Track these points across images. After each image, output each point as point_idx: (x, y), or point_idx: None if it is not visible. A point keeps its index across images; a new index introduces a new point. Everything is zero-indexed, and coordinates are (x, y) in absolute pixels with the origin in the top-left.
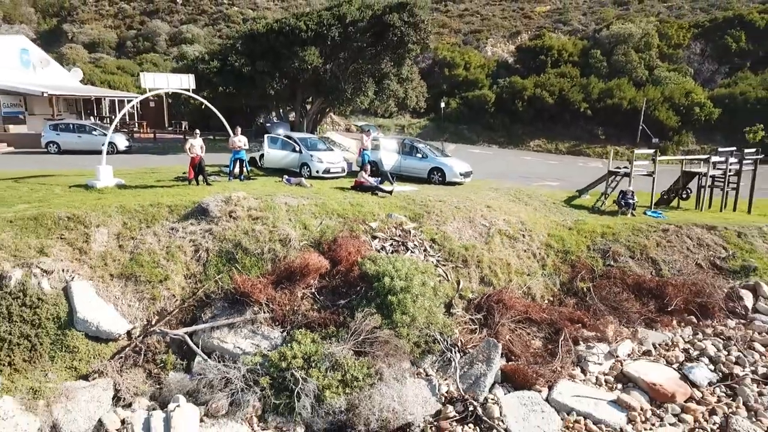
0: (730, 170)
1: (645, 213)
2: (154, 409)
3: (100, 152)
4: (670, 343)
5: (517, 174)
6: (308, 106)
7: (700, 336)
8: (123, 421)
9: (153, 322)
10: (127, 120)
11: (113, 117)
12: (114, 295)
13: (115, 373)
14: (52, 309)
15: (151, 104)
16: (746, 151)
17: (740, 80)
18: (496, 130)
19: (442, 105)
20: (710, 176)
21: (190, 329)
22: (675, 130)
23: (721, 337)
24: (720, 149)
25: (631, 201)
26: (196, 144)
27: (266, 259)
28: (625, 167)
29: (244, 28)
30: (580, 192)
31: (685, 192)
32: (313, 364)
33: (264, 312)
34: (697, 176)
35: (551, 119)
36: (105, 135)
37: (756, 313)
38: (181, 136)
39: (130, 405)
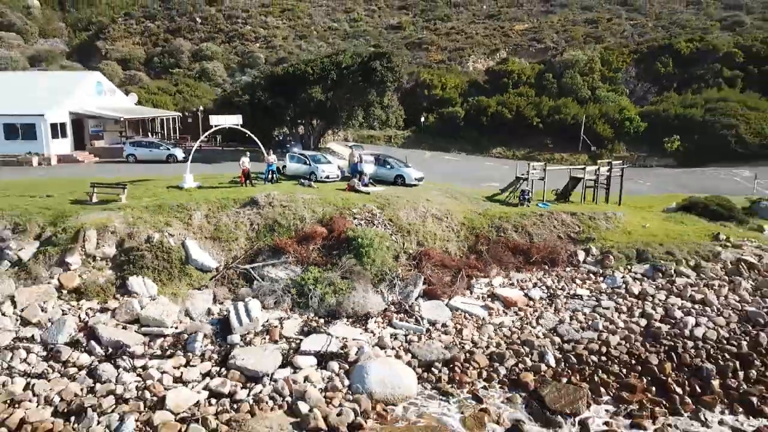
0: (602, 176)
1: (537, 204)
2: (235, 301)
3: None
4: (527, 279)
5: (474, 177)
6: (314, 124)
7: (546, 275)
8: (220, 310)
9: (230, 263)
10: (177, 134)
11: (162, 132)
12: (208, 247)
13: (213, 287)
14: (176, 254)
15: (189, 120)
16: (614, 162)
17: (665, 99)
18: (466, 140)
19: (422, 119)
20: (588, 180)
21: (250, 266)
22: (610, 140)
23: (558, 276)
24: (600, 161)
25: (527, 197)
26: (246, 160)
27: (291, 228)
28: (528, 172)
29: (266, 71)
30: (501, 191)
31: (571, 190)
32: (318, 282)
33: (291, 257)
34: (582, 180)
35: (510, 131)
36: (168, 149)
37: (584, 264)
38: (219, 148)
39: (222, 303)
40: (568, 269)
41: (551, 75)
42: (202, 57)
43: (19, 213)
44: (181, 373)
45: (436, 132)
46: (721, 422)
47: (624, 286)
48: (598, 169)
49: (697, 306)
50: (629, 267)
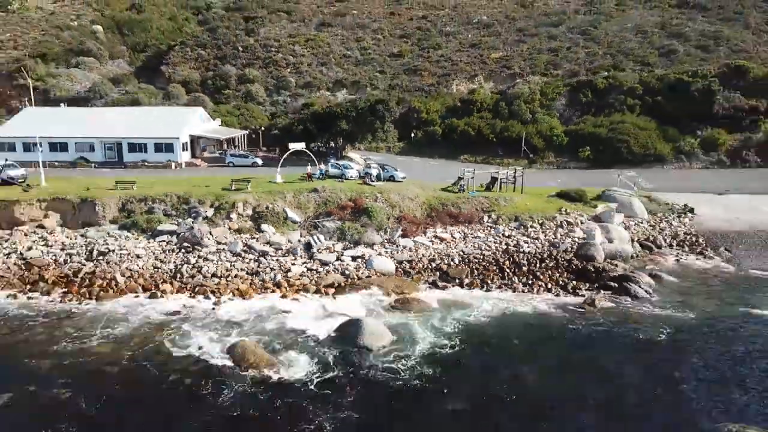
0: (510, 175)
1: (470, 193)
2: (311, 235)
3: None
4: (455, 230)
5: (440, 176)
6: (339, 142)
7: (465, 228)
8: (306, 239)
9: (306, 219)
10: (248, 146)
11: (237, 145)
12: (296, 211)
13: (300, 230)
14: (281, 214)
15: (253, 136)
16: (517, 168)
17: (584, 121)
18: (443, 150)
19: (412, 135)
20: (502, 178)
21: (316, 220)
22: (542, 150)
23: (471, 228)
24: (509, 167)
25: (463, 188)
26: (309, 167)
27: (335, 202)
28: (468, 172)
29: (315, 110)
30: (453, 184)
31: (492, 184)
32: (349, 228)
33: (336, 217)
34: (498, 178)
35: (473, 144)
36: (252, 158)
37: (486, 223)
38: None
39: (305, 236)
40: (477, 226)
41: (504, 103)
42: (245, 80)
43: (197, 195)
44: (293, 262)
45: (422, 144)
46: (516, 289)
47: (502, 232)
48: (507, 172)
49: (532, 240)
50: (508, 224)
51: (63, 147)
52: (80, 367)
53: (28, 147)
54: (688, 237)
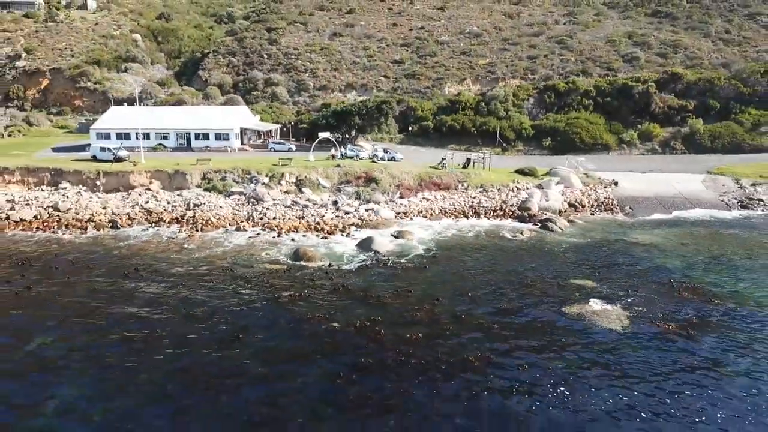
0: (481, 158)
1: (450, 169)
2: (337, 194)
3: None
4: (438, 194)
5: (430, 159)
6: (353, 133)
7: (445, 192)
8: (334, 199)
9: (333, 185)
10: (280, 137)
11: (273, 136)
12: (325, 180)
13: (328, 192)
14: (315, 181)
15: (284, 129)
16: (486, 152)
17: (547, 117)
18: (434, 140)
19: (410, 128)
20: (475, 159)
21: (339, 185)
22: (513, 140)
23: (450, 193)
24: (480, 150)
25: (445, 165)
26: (333, 150)
27: (353, 175)
28: (449, 155)
29: (334, 108)
30: (438, 163)
31: (467, 164)
32: (363, 191)
33: (354, 184)
34: (472, 159)
35: (458, 135)
36: (288, 145)
37: (460, 188)
38: (305, 144)
39: (332, 197)
40: (453, 191)
41: (483, 102)
42: (271, 83)
43: (255, 169)
44: (325, 212)
45: (417, 135)
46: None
47: (471, 195)
48: (479, 155)
49: (490, 198)
50: (475, 189)
51: (146, 136)
52: (200, 266)
53: (119, 136)
54: (607, 201)
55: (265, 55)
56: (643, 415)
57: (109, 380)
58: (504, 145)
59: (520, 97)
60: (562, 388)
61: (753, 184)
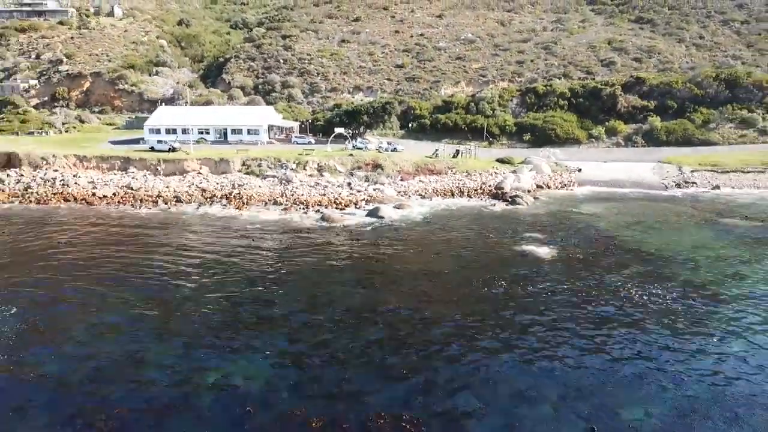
0: (468, 149)
1: (442, 159)
2: (350, 177)
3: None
4: (432, 177)
5: (430, 150)
6: (361, 129)
7: (437, 176)
8: (348, 181)
9: (347, 170)
10: (299, 132)
11: (294, 132)
12: (341, 166)
13: (344, 175)
14: (333, 167)
15: (302, 126)
16: (472, 145)
17: (528, 116)
18: (430, 135)
19: (410, 125)
20: (463, 150)
21: (352, 171)
22: (498, 135)
23: (441, 177)
24: (466, 144)
25: (438, 155)
26: (346, 143)
27: (363, 162)
28: (441, 147)
29: (345, 108)
30: (432, 154)
31: (456, 154)
32: (371, 175)
33: (363, 169)
34: (460, 151)
35: (451, 131)
36: (310, 139)
37: (450, 173)
38: (322, 138)
39: (347, 179)
40: (444, 175)
41: (473, 103)
42: (287, 86)
43: (285, 157)
44: (342, 191)
45: (416, 131)
46: None
47: (458, 178)
48: (467, 147)
49: (473, 181)
50: (462, 174)
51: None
52: (253, 226)
53: (168, 131)
54: (569, 183)
55: (281, 60)
56: (543, 295)
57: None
58: (490, 139)
59: (505, 98)
60: (503, 285)
61: (692, 171)
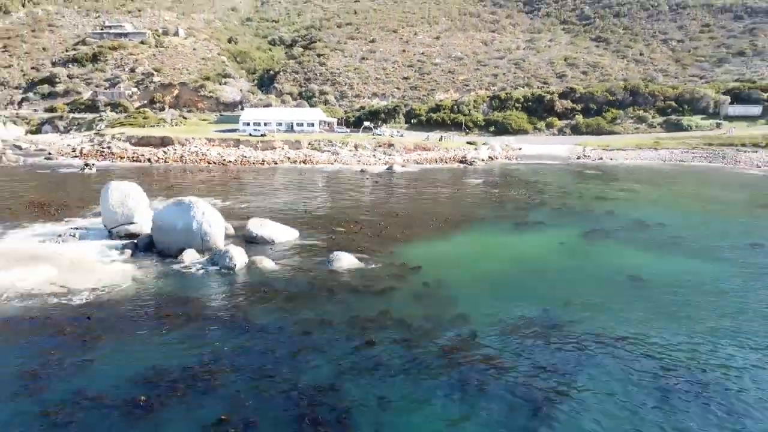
0: (448, 136)
1: (431, 141)
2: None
3: (345, 132)
4: (424, 152)
5: (424, 136)
6: (379, 122)
7: (428, 152)
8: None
9: (373, 147)
10: (338, 125)
11: (334, 124)
12: (368, 144)
13: (371, 150)
14: (363, 145)
15: (339, 121)
16: (453, 134)
17: (493, 114)
18: (425, 127)
19: (412, 121)
20: (445, 136)
21: (375, 149)
22: (472, 127)
23: (430, 152)
24: (452, 132)
25: (428, 139)
26: (371, 131)
27: (381, 143)
28: (431, 134)
29: (369, 109)
30: (425, 138)
31: (440, 138)
32: (386, 150)
33: (382, 147)
34: (442, 136)
35: (440, 125)
36: (347, 129)
37: (436, 149)
38: (356, 129)
39: (372, 152)
40: (432, 151)
41: (456, 105)
42: (323, 93)
43: (334, 140)
44: (369, 158)
45: (416, 125)
46: None
47: (441, 152)
48: (448, 134)
49: (450, 154)
50: (444, 150)
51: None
52: (322, 175)
53: (256, 123)
54: (511, 156)
55: (317, 73)
56: (472, 195)
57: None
58: (466, 130)
59: (478, 102)
60: (454, 192)
61: (591, 149)
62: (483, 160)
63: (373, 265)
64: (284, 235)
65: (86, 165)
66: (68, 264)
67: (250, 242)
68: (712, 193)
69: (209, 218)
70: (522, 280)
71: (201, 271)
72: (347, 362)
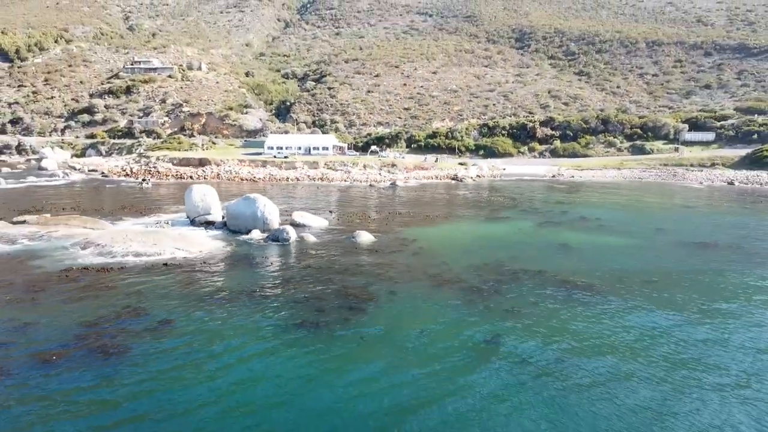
0: (443, 158)
1: (428, 162)
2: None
3: (355, 155)
4: (422, 172)
5: (422, 158)
6: (383, 146)
7: (426, 172)
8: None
9: (378, 166)
10: (348, 149)
11: (345, 148)
12: (374, 164)
13: (377, 170)
14: (370, 165)
15: (349, 145)
16: (448, 156)
17: (482, 140)
18: (423, 151)
19: (412, 145)
20: (439, 158)
21: (381, 168)
22: (463, 152)
23: (428, 171)
24: (446, 155)
25: (426, 161)
26: (378, 154)
27: (386, 163)
28: (428, 156)
29: (374, 135)
30: (423, 160)
31: (436, 160)
32: (390, 170)
33: (387, 166)
34: (437, 157)
35: (436, 149)
36: (356, 152)
37: (433, 169)
38: (363, 152)
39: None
40: (429, 170)
41: (450, 132)
42: (334, 121)
43: (346, 161)
44: (375, 175)
45: (415, 149)
46: None
47: (437, 171)
48: (443, 156)
49: (444, 173)
50: (440, 169)
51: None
52: (337, 187)
53: (279, 147)
54: (497, 174)
55: (329, 105)
56: (463, 199)
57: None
58: (459, 154)
59: (469, 130)
60: (447, 199)
61: (565, 169)
62: (472, 177)
63: (384, 239)
64: (318, 222)
65: (143, 180)
66: (178, 236)
67: (295, 226)
68: (651, 200)
69: (269, 208)
70: (485, 247)
71: (265, 243)
72: (373, 286)
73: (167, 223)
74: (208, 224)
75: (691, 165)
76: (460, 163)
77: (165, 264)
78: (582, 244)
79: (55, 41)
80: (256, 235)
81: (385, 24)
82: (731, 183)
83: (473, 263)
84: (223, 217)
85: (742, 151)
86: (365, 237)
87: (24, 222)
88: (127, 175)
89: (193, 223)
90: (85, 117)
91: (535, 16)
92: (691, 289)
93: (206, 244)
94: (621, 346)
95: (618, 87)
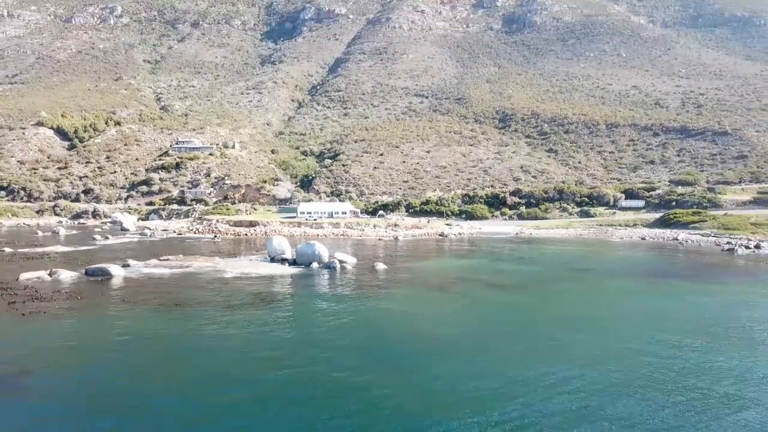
0: (433, 220)
1: (421, 223)
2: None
3: (366, 217)
4: (417, 231)
5: (417, 221)
6: (388, 211)
7: (418, 230)
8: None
9: (385, 226)
10: (360, 212)
11: (358, 213)
12: (380, 223)
13: (384, 227)
14: (378, 224)
15: (361, 210)
16: (438, 219)
17: (465, 206)
18: (419, 214)
19: (409, 210)
20: (430, 220)
21: (385, 228)
22: (450, 215)
23: (420, 229)
24: (436, 218)
25: (419, 221)
26: (385, 217)
27: (389, 224)
28: (423, 219)
29: (381, 203)
30: (419, 221)
31: (428, 221)
32: (395, 227)
33: (391, 226)
34: (428, 220)
35: (428, 213)
36: (367, 216)
37: (425, 227)
38: (373, 216)
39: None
40: (422, 228)
41: (439, 200)
42: (347, 192)
43: (360, 222)
44: (384, 233)
45: (413, 213)
46: None
47: (427, 229)
48: (431, 219)
49: (433, 230)
50: (429, 228)
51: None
52: (354, 241)
53: (308, 212)
54: (473, 233)
55: (343, 178)
56: (450, 251)
57: None
58: (446, 216)
59: (454, 198)
60: (436, 251)
61: (527, 229)
62: (455, 234)
63: (392, 268)
64: (350, 259)
65: (215, 236)
66: (268, 265)
67: (338, 261)
68: (575, 248)
69: (322, 250)
70: (455, 271)
71: (321, 269)
72: (388, 289)
73: (257, 259)
74: (283, 260)
75: (620, 225)
76: (447, 224)
77: (269, 276)
78: (510, 269)
79: (106, 123)
80: (315, 265)
81: (386, 105)
82: (643, 238)
83: (446, 278)
84: (292, 255)
85: (658, 215)
86: (381, 266)
87: (168, 259)
88: (195, 233)
89: (273, 260)
90: (144, 188)
91: (516, 98)
92: (561, 286)
93: (287, 270)
94: (506, 307)
95: (579, 162)
